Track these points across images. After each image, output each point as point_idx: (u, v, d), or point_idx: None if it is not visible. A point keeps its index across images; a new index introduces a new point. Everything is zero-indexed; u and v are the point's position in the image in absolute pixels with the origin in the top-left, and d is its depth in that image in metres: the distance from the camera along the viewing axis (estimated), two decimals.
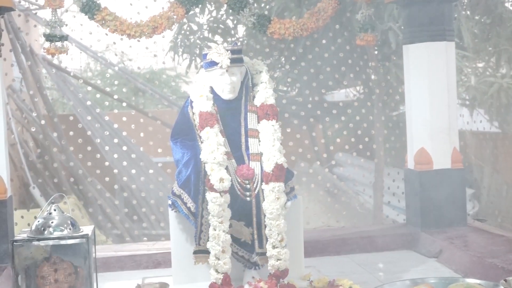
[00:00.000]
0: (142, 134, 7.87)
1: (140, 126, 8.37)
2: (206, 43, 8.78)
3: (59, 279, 3.79)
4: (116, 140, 8.71)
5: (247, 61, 4.71)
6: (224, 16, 9.11)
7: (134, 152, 8.82)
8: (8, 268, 4.94)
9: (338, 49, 8.07)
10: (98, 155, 8.26)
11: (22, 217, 6.95)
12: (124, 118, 8.53)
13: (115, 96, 9.15)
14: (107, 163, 8.46)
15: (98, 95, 11.30)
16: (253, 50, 8.60)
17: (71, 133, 8.10)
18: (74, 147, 8.20)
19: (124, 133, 9.05)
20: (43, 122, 8.51)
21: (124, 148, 8.81)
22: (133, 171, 8.36)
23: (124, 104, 9.85)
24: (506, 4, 8.59)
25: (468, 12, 8.49)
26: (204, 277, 4.44)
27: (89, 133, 8.40)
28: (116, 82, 11.25)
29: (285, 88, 9.21)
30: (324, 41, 7.86)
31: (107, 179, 7.92)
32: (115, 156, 8.64)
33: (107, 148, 8.57)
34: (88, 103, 9.41)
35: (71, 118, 9.02)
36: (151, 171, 8.81)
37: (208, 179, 4.29)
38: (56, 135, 8.59)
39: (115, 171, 8.38)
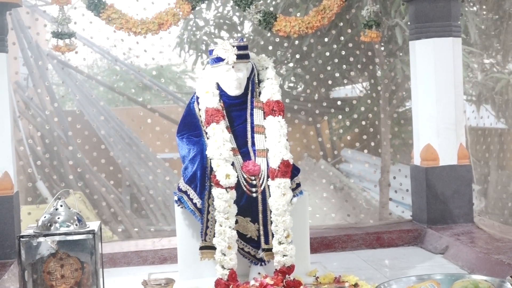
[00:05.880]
0: (150, 134, 7.90)
1: (147, 123, 8.40)
2: (212, 39, 8.79)
3: (66, 274, 3.81)
4: (127, 140, 8.76)
5: (253, 57, 4.71)
6: (231, 12, 9.12)
7: (140, 148, 8.85)
8: (14, 263, 4.97)
9: (343, 45, 8.07)
10: (111, 153, 8.30)
11: (29, 213, 6.97)
12: (133, 118, 8.56)
13: (125, 94, 9.19)
14: (119, 161, 8.50)
15: (107, 93, 11.31)
16: (259, 46, 8.61)
17: (79, 130, 8.13)
18: (82, 144, 8.22)
19: (135, 135, 9.10)
20: (49, 118, 8.53)
21: (134, 148, 8.85)
22: (142, 170, 8.42)
23: (133, 103, 9.88)
24: None
25: (475, 8, 8.47)
26: (210, 273, 4.45)
27: (103, 132, 8.44)
28: (123, 79, 11.26)
29: (291, 85, 9.22)
30: (329, 38, 7.86)
31: (119, 175, 7.98)
32: (126, 155, 8.69)
33: (111, 140, 8.61)
34: (98, 102, 9.43)
35: (79, 114, 9.05)
36: (158, 170, 8.84)
37: (214, 175, 4.29)
38: (62, 131, 8.61)
39: (127, 168, 8.42)
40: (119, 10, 5.56)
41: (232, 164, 4.33)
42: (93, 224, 3.92)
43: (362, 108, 8.23)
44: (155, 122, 8.55)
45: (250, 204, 4.39)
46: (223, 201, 4.24)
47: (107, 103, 10.49)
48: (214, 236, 4.31)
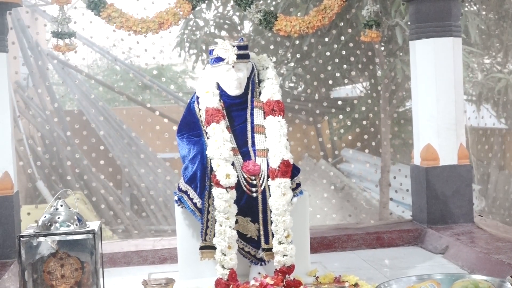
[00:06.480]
0: (150, 134, 7.89)
1: (147, 122, 8.39)
2: (212, 39, 8.79)
3: (66, 274, 3.80)
4: (125, 141, 8.76)
5: (253, 56, 4.71)
6: (231, 12, 9.12)
7: (139, 147, 8.85)
8: (14, 263, 4.97)
9: (344, 45, 8.08)
10: (110, 153, 8.30)
11: (28, 213, 6.96)
12: (133, 117, 8.54)
13: (125, 94, 9.19)
14: (118, 162, 8.50)
15: (107, 93, 11.31)
16: (259, 46, 8.61)
17: (78, 130, 8.13)
18: (82, 144, 8.22)
19: (133, 134, 9.10)
20: (50, 118, 8.53)
21: (134, 148, 8.85)
22: (142, 170, 8.41)
23: (132, 102, 9.88)
24: None
25: (476, 8, 8.47)
26: (210, 272, 4.45)
27: (102, 133, 8.44)
28: (123, 78, 11.28)
29: (291, 84, 9.22)
30: (330, 37, 7.86)
31: (118, 177, 7.97)
32: (126, 155, 8.69)
33: (110, 140, 8.61)
34: (98, 101, 9.43)
35: (78, 114, 9.04)
36: (158, 170, 8.85)
37: (214, 175, 4.29)
38: (62, 131, 8.61)
39: (126, 169, 8.41)
40: (119, 9, 5.56)
41: (232, 164, 4.33)
42: (93, 224, 3.92)
43: (363, 108, 8.23)
44: (155, 122, 8.55)
45: (250, 204, 4.39)
46: (223, 201, 4.23)
47: (106, 102, 10.48)
48: (214, 236, 4.30)
